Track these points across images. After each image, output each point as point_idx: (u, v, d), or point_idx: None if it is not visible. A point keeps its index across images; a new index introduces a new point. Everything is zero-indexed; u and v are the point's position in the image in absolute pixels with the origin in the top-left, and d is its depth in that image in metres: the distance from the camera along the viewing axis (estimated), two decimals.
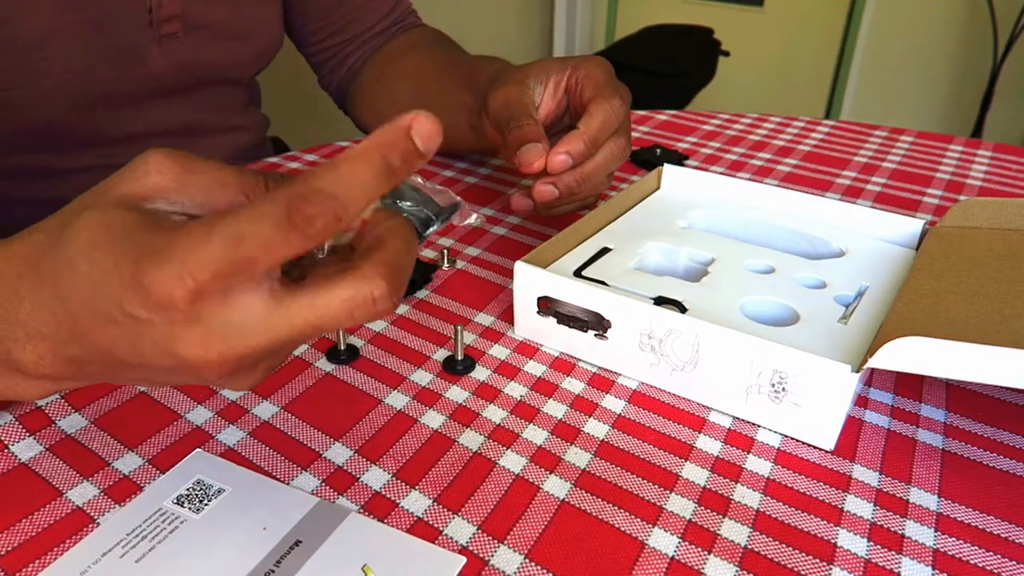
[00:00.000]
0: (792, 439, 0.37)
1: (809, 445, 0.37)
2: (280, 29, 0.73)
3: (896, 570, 0.30)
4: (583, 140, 0.48)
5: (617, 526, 0.32)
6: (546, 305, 0.42)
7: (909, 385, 0.41)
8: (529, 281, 0.42)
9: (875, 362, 0.33)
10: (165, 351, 0.25)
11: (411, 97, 0.71)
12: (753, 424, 0.38)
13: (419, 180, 0.42)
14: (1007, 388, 0.41)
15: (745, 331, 0.36)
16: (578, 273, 0.44)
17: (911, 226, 0.49)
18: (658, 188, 0.57)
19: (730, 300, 0.42)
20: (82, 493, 0.33)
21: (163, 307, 0.24)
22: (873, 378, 0.42)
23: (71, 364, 0.28)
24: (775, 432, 0.38)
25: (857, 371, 0.34)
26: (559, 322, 0.42)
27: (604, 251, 0.47)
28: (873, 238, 0.50)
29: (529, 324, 0.43)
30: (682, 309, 0.41)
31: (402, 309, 0.47)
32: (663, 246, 0.48)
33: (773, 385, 0.36)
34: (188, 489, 0.33)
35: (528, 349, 0.44)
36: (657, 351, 0.39)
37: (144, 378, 0.28)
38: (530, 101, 0.53)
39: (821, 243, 0.50)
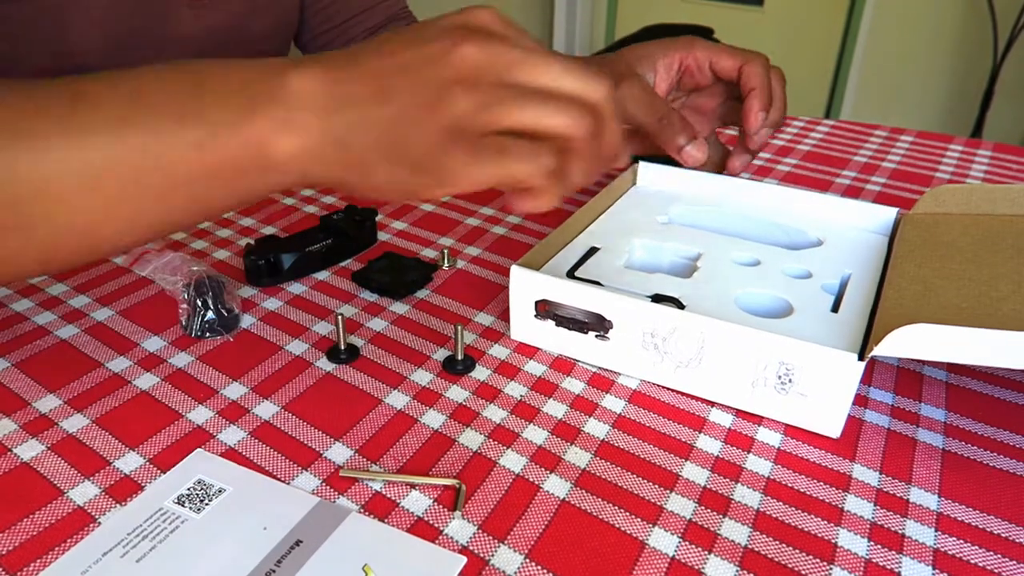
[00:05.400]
0: (792, 439, 0.37)
1: (809, 445, 0.37)
2: (295, 5, 0.74)
3: (896, 570, 0.30)
4: (776, 110, 0.55)
5: (617, 526, 0.32)
6: (544, 308, 0.42)
7: (909, 385, 0.41)
8: (527, 285, 0.42)
9: (881, 349, 0.33)
10: (440, 29, 0.32)
11: None
12: (754, 424, 0.38)
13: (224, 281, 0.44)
14: (1007, 387, 0.41)
15: (745, 325, 0.36)
16: (571, 274, 0.45)
17: (884, 214, 0.50)
18: (634, 184, 0.57)
19: (724, 294, 0.42)
20: (83, 492, 0.33)
21: (470, 16, 0.32)
22: (873, 378, 0.42)
23: (337, 84, 0.31)
24: (781, 423, 0.38)
25: (862, 359, 0.34)
26: (558, 324, 0.42)
27: (593, 251, 0.47)
28: (846, 227, 0.51)
29: (526, 327, 0.43)
30: (679, 306, 0.41)
31: (402, 309, 0.47)
32: (648, 243, 0.49)
33: (779, 377, 0.36)
34: (189, 489, 0.33)
35: (528, 349, 0.44)
36: (660, 349, 0.39)
37: (389, 60, 0.32)
38: (656, 92, 0.56)
39: (797, 233, 0.50)
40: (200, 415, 0.38)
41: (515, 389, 0.40)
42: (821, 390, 0.36)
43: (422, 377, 0.41)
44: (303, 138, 0.31)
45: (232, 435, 0.37)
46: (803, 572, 0.30)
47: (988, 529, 0.33)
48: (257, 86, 0.32)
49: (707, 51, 0.55)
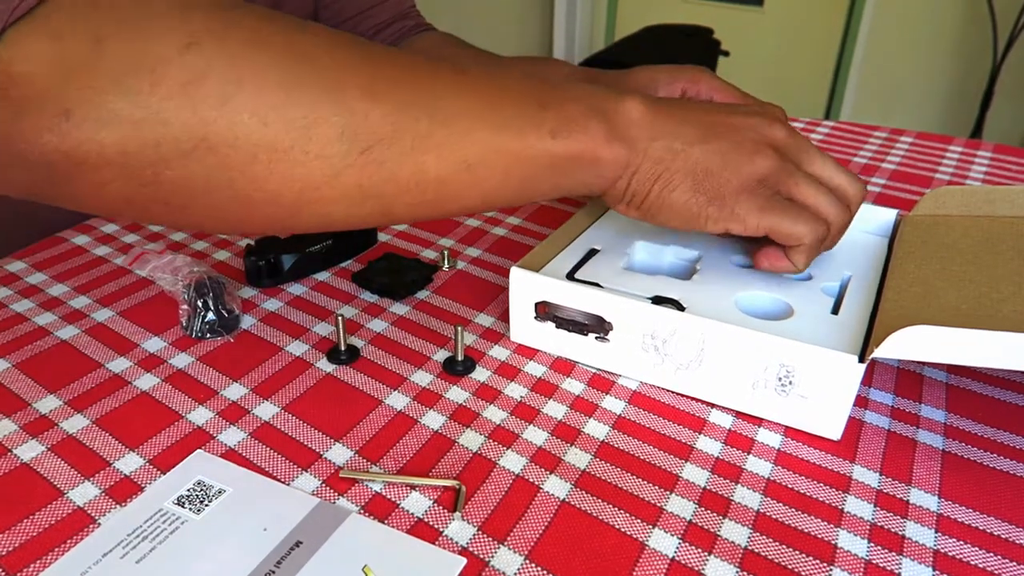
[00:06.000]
0: (792, 440, 0.37)
1: (809, 446, 0.37)
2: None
3: (897, 571, 0.30)
4: None
5: (617, 527, 0.32)
6: (544, 310, 0.42)
7: (909, 386, 0.41)
8: (527, 286, 0.42)
9: (882, 351, 0.33)
10: (760, 121, 0.39)
11: None
12: (754, 425, 0.38)
13: (224, 282, 0.44)
14: (1007, 388, 0.41)
15: (745, 327, 0.36)
16: (571, 276, 0.45)
17: (884, 216, 0.50)
18: None
19: (724, 296, 0.42)
20: (83, 493, 0.33)
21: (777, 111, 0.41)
22: (873, 378, 0.42)
23: (661, 117, 0.38)
24: (781, 424, 0.38)
25: (863, 361, 0.34)
26: (558, 326, 0.42)
27: (592, 252, 0.47)
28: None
29: (526, 329, 0.43)
30: (680, 308, 0.41)
31: (402, 310, 0.47)
32: (649, 245, 0.48)
33: (780, 379, 0.36)
34: (189, 490, 0.33)
35: (528, 350, 0.44)
36: (660, 351, 0.39)
37: (711, 117, 0.39)
38: None
39: None
40: (200, 416, 0.38)
41: (515, 390, 0.40)
42: (821, 392, 0.36)
43: (422, 378, 0.41)
44: (628, 150, 0.37)
45: (232, 436, 0.37)
46: (803, 573, 0.30)
47: (988, 530, 0.33)
48: (594, 100, 0.37)
49: (711, 86, 0.55)
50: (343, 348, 0.42)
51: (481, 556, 0.31)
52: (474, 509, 0.33)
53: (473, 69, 0.36)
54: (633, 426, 0.38)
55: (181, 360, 0.42)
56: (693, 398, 0.40)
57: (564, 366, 0.42)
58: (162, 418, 0.37)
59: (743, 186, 0.38)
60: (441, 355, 0.43)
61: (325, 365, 0.42)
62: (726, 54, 2.37)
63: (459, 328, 0.41)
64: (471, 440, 0.37)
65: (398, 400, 0.39)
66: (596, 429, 0.38)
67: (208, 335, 0.43)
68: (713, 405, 0.39)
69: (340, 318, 0.41)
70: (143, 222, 0.33)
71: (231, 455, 0.35)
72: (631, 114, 0.38)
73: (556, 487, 0.34)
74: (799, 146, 0.40)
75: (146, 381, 0.40)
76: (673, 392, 0.40)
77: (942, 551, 0.31)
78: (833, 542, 0.32)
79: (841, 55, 2.59)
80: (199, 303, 0.43)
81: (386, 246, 0.55)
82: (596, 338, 0.41)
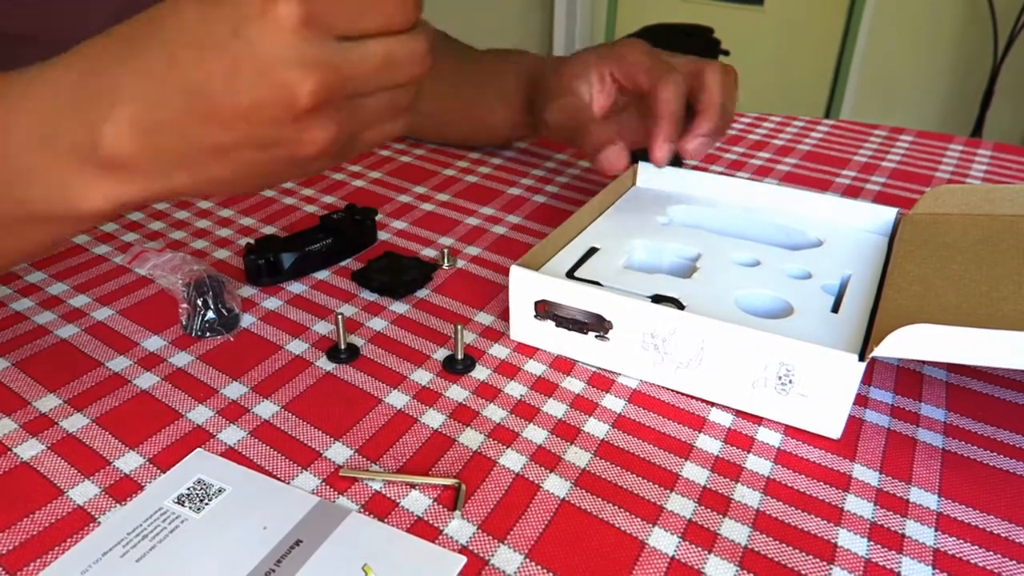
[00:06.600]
0: (792, 439, 0.37)
1: (809, 444, 0.37)
2: None
3: (896, 570, 0.30)
4: (707, 119, 0.52)
5: (617, 526, 0.32)
6: (544, 308, 0.42)
7: (909, 385, 0.41)
8: (527, 285, 0.42)
9: (882, 350, 0.33)
10: (263, 73, 0.26)
11: (453, 104, 0.71)
12: (754, 423, 0.38)
13: (224, 280, 0.44)
14: (1007, 386, 0.41)
15: (745, 325, 0.36)
16: (571, 274, 0.45)
17: (884, 214, 0.50)
18: (634, 184, 0.57)
19: (724, 295, 0.42)
20: (83, 492, 0.33)
21: (273, 22, 0.26)
22: (873, 377, 0.42)
23: (151, 134, 0.28)
24: (781, 423, 0.38)
25: (863, 360, 0.34)
26: (558, 325, 0.42)
27: (592, 251, 0.47)
28: (847, 227, 0.51)
29: (525, 328, 0.43)
30: (679, 306, 0.41)
31: (402, 308, 0.47)
32: (649, 244, 0.48)
33: (780, 378, 0.36)
34: (189, 488, 0.33)
35: (528, 349, 0.44)
36: (660, 350, 0.39)
37: (226, 135, 0.28)
38: (585, 106, 0.56)
39: (797, 233, 0.50)
40: (200, 415, 0.38)
41: (515, 389, 0.40)
42: (821, 391, 0.36)
43: (422, 377, 0.41)
44: (125, 194, 0.30)
45: (232, 435, 0.36)
46: (803, 572, 0.30)
47: (988, 529, 0.33)
48: (68, 136, 0.29)
49: (629, 65, 0.54)
50: (343, 347, 0.42)
51: (481, 555, 0.31)
52: (474, 508, 0.33)
53: None
54: (633, 425, 0.38)
55: (181, 359, 0.42)
56: (693, 397, 0.40)
57: (564, 365, 0.42)
58: (162, 417, 0.37)
59: (288, 177, 0.32)
60: (441, 354, 0.43)
61: (325, 364, 0.42)
62: (726, 53, 2.37)
63: (459, 327, 0.41)
64: (471, 439, 0.37)
65: (398, 399, 0.39)
66: (596, 428, 0.38)
67: (208, 334, 0.43)
68: (713, 404, 0.39)
69: (340, 317, 0.41)
70: None
71: (231, 454, 0.35)
72: (118, 153, 0.28)
73: (556, 486, 0.34)
74: (353, 92, 0.29)
75: (146, 380, 0.40)
76: (673, 391, 0.40)
77: (942, 550, 0.31)
78: (833, 541, 0.32)
79: (841, 55, 2.59)
80: (199, 302, 0.43)
81: (386, 245, 0.55)
82: (596, 337, 0.41)
